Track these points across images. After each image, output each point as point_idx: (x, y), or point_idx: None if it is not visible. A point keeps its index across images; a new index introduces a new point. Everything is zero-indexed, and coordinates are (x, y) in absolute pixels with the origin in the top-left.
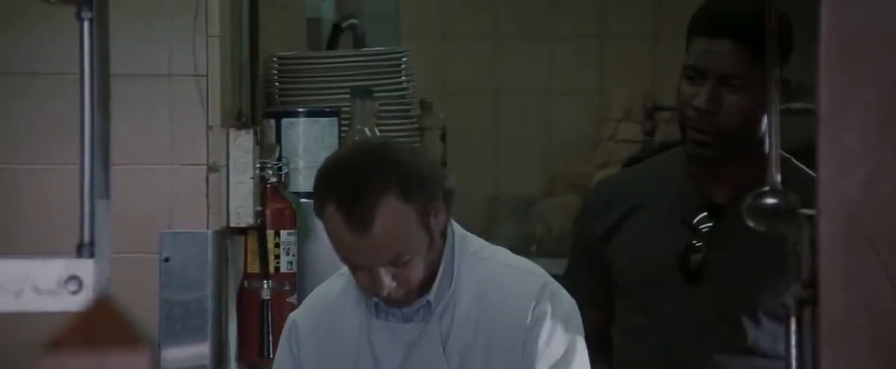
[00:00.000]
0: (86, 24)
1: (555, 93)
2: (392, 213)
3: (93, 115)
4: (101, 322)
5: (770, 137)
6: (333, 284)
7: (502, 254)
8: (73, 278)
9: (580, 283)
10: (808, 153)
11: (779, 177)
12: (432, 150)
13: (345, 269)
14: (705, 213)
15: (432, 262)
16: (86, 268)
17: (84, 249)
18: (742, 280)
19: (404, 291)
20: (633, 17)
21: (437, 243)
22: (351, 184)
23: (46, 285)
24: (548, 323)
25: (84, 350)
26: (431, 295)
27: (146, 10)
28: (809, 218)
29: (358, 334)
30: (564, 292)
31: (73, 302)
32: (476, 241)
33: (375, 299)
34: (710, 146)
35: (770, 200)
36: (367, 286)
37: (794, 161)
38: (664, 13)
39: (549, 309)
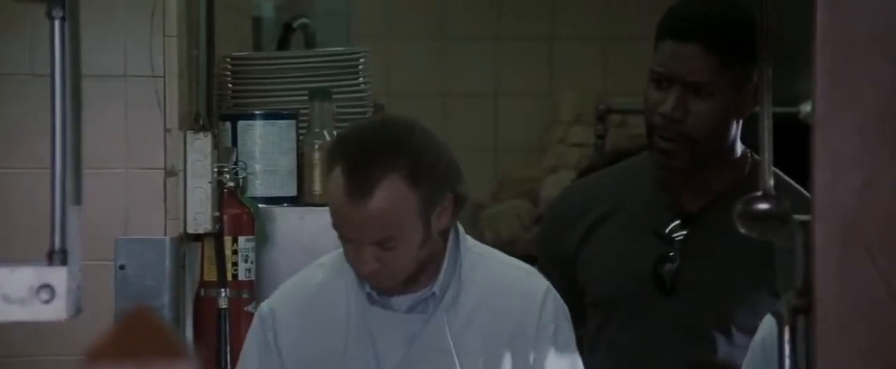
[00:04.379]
0: (56, 24)
1: (503, 96)
2: (393, 193)
3: (64, 118)
4: (141, 332)
5: (762, 141)
6: (312, 274)
7: (500, 254)
8: (45, 286)
9: None
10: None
11: (771, 182)
12: None
13: (322, 260)
14: (677, 222)
15: (424, 260)
16: (58, 276)
17: (55, 256)
18: (716, 292)
19: (387, 278)
20: (583, 18)
21: (435, 242)
22: (362, 152)
23: (17, 294)
24: (555, 327)
25: (124, 361)
26: (437, 287)
27: (101, 10)
28: (803, 224)
29: (348, 320)
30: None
31: (45, 312)
32: (473, 241)
33: (368, 289)
34: (676, 156)
35: (762, 206)
36: (351, 259)
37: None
38: (614, 14)
39: (554, 311)
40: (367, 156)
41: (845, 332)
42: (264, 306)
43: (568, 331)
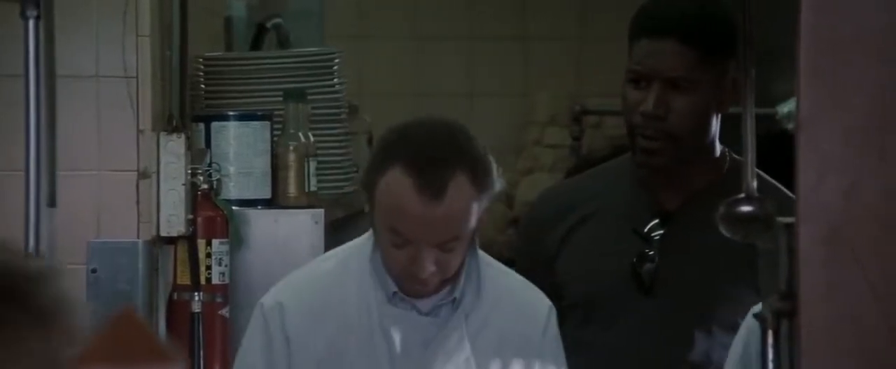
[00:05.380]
0: (31, 24)
1: (477, 96)
2: (462, 192)
3: (38, 119)
4: (129, 335)
5: (746, 142)
6: (319, 267)
7: (504, 266)
8: None
9: None
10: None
11: (754, 185)
12: (359, 155)
13: (328, 255)
14: (656, 221)
15: (463, 261)
16: None
17: None
18: (694, 290)
19: (439, 281)
20: (557, 18)
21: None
22: (427, 151)
23: None
24: (557, 342)
25: (116, 364)
26: (457, 293)
27: (72, 10)
28: (787, 226)
29: (360, 316)
30: None
31: None
32: (480, 251)
33: (394, 289)
34: (660, 154)
35: (745, 208)
36: (405, 266)
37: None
38: (589, 13)
39: (556, 327)
40: (437, 155)
41: (830, 335)
42: (268, 299)
43: (562, 347)
